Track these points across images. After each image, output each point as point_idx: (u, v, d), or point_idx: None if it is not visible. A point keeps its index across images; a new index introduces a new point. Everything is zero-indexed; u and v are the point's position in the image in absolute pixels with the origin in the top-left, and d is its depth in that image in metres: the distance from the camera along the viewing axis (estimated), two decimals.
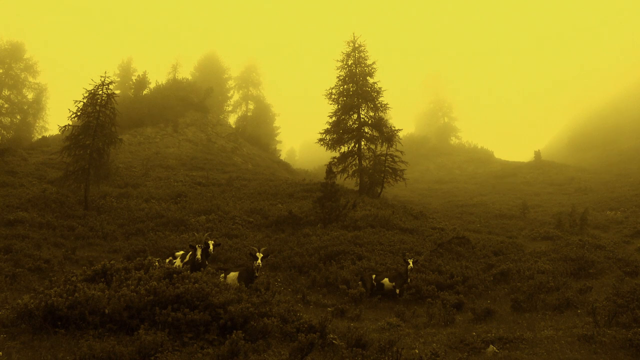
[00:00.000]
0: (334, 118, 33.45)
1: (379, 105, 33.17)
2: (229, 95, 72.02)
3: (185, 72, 72.13)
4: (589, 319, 9.11)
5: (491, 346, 7.89)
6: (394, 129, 32.13)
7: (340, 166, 32.15)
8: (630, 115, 70.51)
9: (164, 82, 59.09)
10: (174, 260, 11.93)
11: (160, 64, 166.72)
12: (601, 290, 11.98)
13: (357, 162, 32.38)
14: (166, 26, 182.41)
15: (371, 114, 33.29)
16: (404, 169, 31.50)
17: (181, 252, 12.30)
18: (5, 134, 52.10)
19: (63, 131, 24.48)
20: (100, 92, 23.48)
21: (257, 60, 75.80)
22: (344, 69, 34.09)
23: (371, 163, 32.30)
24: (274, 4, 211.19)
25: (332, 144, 33.12)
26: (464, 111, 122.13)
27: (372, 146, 32.80)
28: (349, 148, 32.88)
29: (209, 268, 10.15)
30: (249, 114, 69.85)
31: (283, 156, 68.83)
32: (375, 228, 20.65)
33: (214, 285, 8.19)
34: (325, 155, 36.87)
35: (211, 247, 11.11)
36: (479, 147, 71.56)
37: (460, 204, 36.63)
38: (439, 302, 11.56)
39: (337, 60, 34.30)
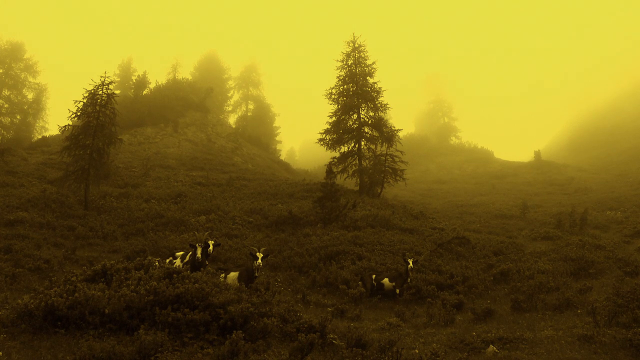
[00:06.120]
0: (334, 118, 33.45)
1: (379, 105, 33.15)
2: (229, 95, 72.12)
3: (185, 72, 72.11)
4: (589, 319, 9.11)
5: (491, 346, 7.89)
6: (394, 129, 32.13)
7: (340, 166, 32.13)
8: (630, 115, 70.57)
9: (164, 82, 59.19)
10: (174, 261, 11.93)
11: (160, 64, 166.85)
12: (601, 290, 11.98)
13: (357, 162, 32.36)
14: (166, 26, 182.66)
15: (371, 114, 33.28)
16: (404, 169, 31.49)
17: (181, 253, 12.31)
18: (5, 134, 52.09)
19: (63, 131, 24.46)
20: (100, 92, 23.47)
21: (257, 60, 75.90)
22: (343, 69, 34.06)
23: (371, 163, 32.28)
24: (274, 3, 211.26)
25: (332, 144, 33.10)
26: (464, 111, 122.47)
27: (372, 146, 32.78)
28: (349, 148, 32.86)
29: (209, 268, 10.15)
30: (249, 114, 69.88)
31: (283, 156, 68.83)
32: (375, 228, 20.63)
33: (214, 285, 8.19)
34: (325, 155, 36.86)
35: (211, 246, 11.10)
36: (479, 147, 71.54)
37: (460, 204, 36.63)
38: (439, 302, 11.57)
39: (337, 60, 34.31)
